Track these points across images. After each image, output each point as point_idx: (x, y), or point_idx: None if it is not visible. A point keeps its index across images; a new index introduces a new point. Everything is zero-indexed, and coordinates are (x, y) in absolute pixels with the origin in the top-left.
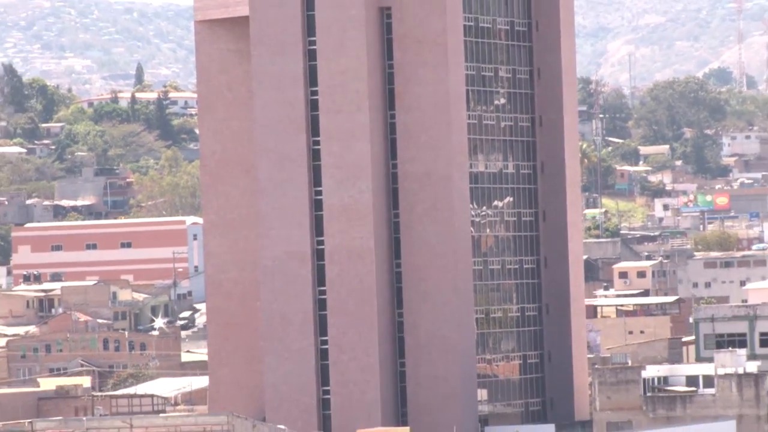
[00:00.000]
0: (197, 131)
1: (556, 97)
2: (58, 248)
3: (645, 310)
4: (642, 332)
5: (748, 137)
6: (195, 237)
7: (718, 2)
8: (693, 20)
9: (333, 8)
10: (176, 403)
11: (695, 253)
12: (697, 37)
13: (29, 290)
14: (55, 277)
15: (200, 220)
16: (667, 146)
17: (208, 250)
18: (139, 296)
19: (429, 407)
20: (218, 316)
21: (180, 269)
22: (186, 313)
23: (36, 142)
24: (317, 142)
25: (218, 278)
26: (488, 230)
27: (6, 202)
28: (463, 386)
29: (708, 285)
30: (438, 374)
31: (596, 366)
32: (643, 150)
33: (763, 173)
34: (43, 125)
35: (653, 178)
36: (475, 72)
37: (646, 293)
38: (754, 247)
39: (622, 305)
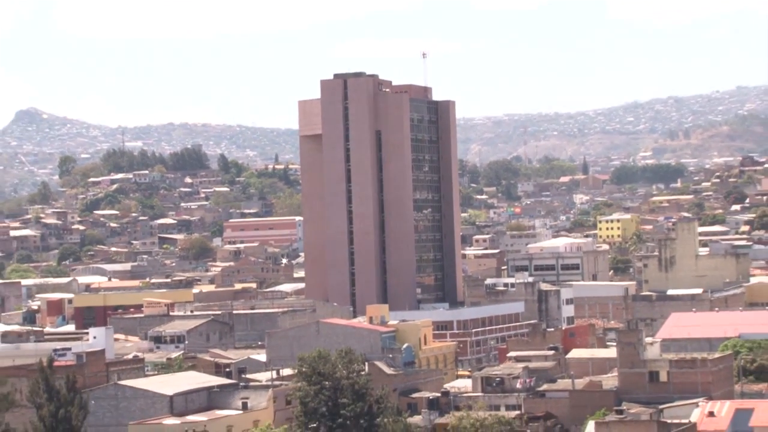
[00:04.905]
0: (301, 182)
1: (448, 168)
2: (242, 230)
3: (485, 256)
4: (484, 264)
5: (529, 184)
6: (299, 224)
7: (517, 128)
8: (506, 135)
9: (357, 130)
10: (291, 295)
11: (507, 232)
12: (507, 142)
13: (231, 247)
14: (240, 242)
15: (301, 218)
16: (495, 188)
17: (305, 230)
18: (275, 249)
19: (396, 296)
20: (309, 258)
21: (293, 238)
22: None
23: (233, 186)
24: (350, 186)
25: (309, 242)
26: (421, 222)
27: (220, 210)
28: (410, 287)
29: (512, 245)
30: (400, 282)
31: (465, 279)
32: (486, 189)
33: (535, 199)
34: (237, 178)
35: (489, 201)
36: (414, 157)
37: (486, 249)
38: (516, 230)
39: (476, 255)
